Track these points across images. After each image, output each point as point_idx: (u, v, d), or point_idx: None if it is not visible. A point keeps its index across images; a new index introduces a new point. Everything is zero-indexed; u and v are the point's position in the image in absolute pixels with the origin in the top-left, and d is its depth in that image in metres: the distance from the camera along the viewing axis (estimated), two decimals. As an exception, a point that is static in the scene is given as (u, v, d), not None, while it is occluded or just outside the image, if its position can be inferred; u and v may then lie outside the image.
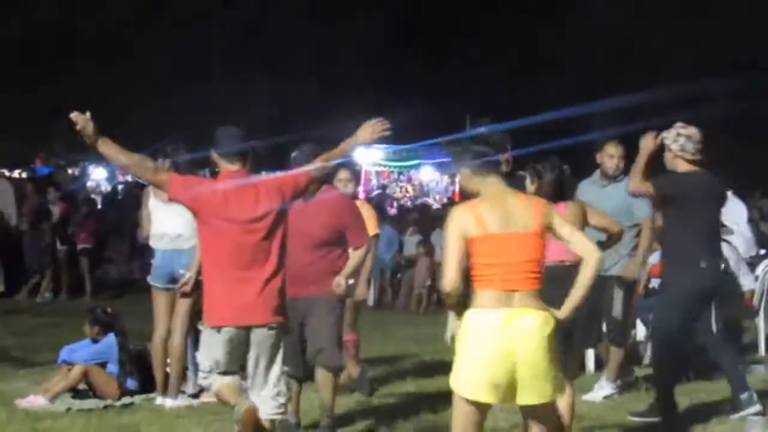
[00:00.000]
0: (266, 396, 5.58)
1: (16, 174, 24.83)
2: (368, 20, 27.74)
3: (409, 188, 24.55)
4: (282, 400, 5.63)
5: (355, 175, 8.31)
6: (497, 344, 4.58)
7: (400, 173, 24.63)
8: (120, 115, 23.34)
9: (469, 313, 4.69)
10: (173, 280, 8.01)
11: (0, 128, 25.26)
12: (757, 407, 7.47)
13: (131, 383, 8.34)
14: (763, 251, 11.59)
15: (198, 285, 7.18)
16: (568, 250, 5.04)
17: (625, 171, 8.30)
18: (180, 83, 26.22)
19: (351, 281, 7.18)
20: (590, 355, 9.29)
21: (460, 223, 4.71)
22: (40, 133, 25.76)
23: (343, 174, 7.88)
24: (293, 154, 6.94)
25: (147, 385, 8.32)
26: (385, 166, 24.04)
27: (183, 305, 8.02)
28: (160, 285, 8.09)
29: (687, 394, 8.31)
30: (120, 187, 22.50)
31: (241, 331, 5.49)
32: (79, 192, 20.26)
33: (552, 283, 5.01)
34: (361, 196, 18.52)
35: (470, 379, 4.63)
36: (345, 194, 7.44)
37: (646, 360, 9.47)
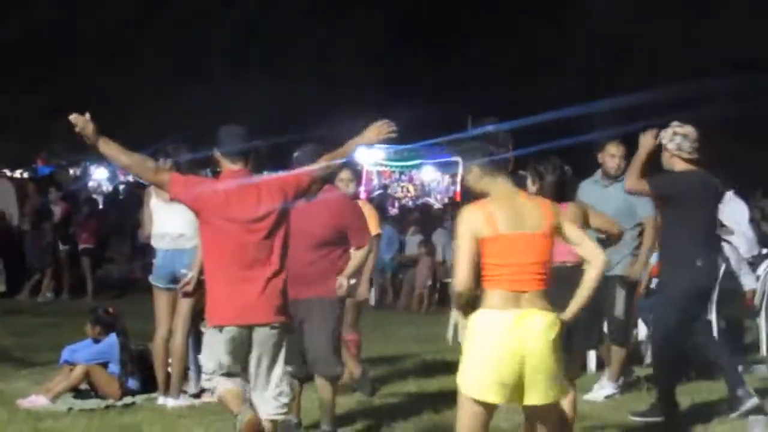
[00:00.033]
0: (268, 396, 5.57)
1: (17, 174, 24.84)
2: (369, 20, 27.74)
3: (411, 188, 24.55)
4: (284, 400, 5.61)
5: (357, 175, 8.29)
6: (506, 345, 4.58)
7: (401, 173, 24.63)
8: (120, 114, 23.36)
9: (477, 314, 4.68)
10: (175, 280, 8.01)
11: (1, 128, 25.27)
12: (755, 400, 7.47)
13: (133, 383, 8.34)
14: (765, 251, 11.60)
15: (200, 285, 7.17)
16: (570, 251, 5.05)
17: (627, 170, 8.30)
18: (180, 83, 26.23)
19: (353, 281, 7.18)
20: (591, 355, 9.29)
21: (470, 223, 4.69)
22: (41, 133, 25.77)
23: (344, 174, 7.86)
24: (295, 154, 6.93)
25: (148, 385, 8.32)
26: (386, 166, 24.04)
27: (184, 305, 8.02)
28: (162, 285, 8.09)
29: (688, 394, 8.31)
30: (121, 187, 22.50)
31: (243, 330, 5.47)
32: (80, 192, 20.27)
33: (554, 284, 5.01)
34: (363, 196, 18.51)
35: (479, 379, 4.62)
36: (346, 194, 7.43)
37: (648, 360, 9.47)
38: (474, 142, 4.93)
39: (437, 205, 21.94)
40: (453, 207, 18.60)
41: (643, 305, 9.56)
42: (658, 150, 7.61)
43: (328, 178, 6.09)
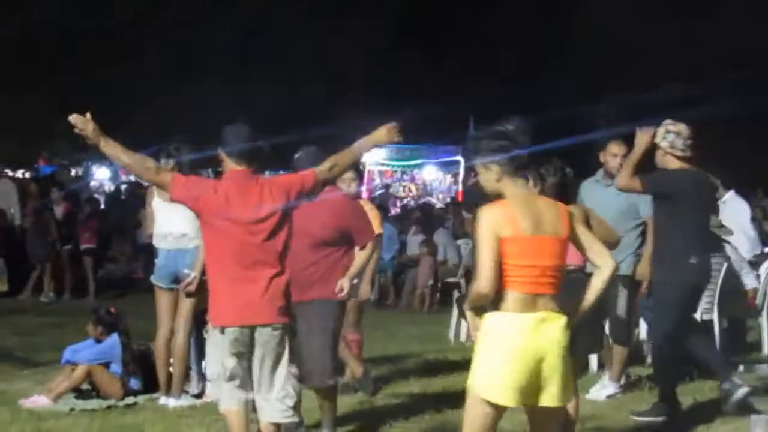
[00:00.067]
0: (273, 399, 5.50)
1: (19, 174, 24.86)
2: (370, 20, 27.74)
3: (413, 187, 24.52)
4: (289, 403, 5.53)
5: (359, 175, 8.26)
6: (526, 349, 4.54)
7: (403, 172, 24.60)
8: (122, 114, 23.37)
9: (495, 316, 4.62)
10: (177, 280, 8.01)
11: (2, 128, 25.29)
12: (745, 388, 7.47)
13: (134, 383, 8.34)
14: (767, 250, 11.61)
15: (202, 285, 7.16)
16: (573, 254, 5.01)
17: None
18: (182, 82, 26.23)
19: (355, 281, 7.18)
20: (593, 355, 9.27)
21: (492, 223, 4.60)
22: (43, 133, 25.77)
23: (346, 173, 7.84)
24: (296, 156, 6.92)
25: (150, 385, 8.32)
26: (388, 165, 24.02)
27: (186, 305, 8.01)
28: (164, 285, 8.09)
29: (690, 393, 8.31)
30: (123, 186, 22.50)
31: (245, 331, 5.43)
32: (82, 192, 20.28)
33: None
34: (365, 195, 18.51)
35: (497, 382, 4.55)
36: (348, 194, 7.39)
37: (650, 359, 9.47)
38: (497, 140, 4.78)
39: (439, 205, 21.92)
40: (455, 207, 18.60)
41: (644, 304, 9.56)
42: (653, 148, 7.62)
43: (333, 180, 6.04)
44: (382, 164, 23.72)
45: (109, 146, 5.60)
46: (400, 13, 28.17)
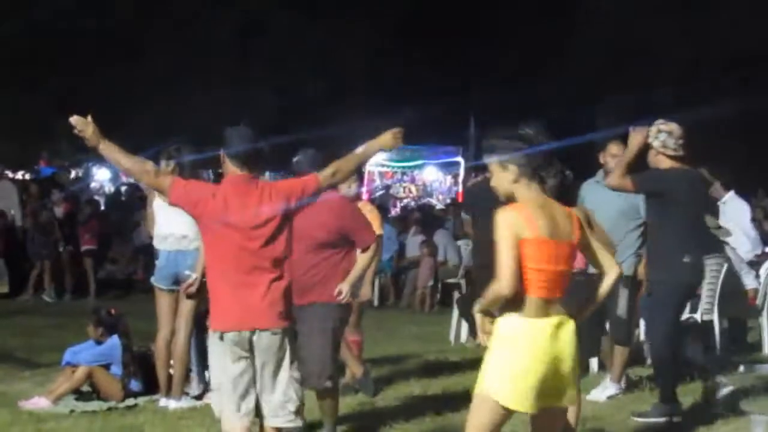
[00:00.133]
0: (275, 403, 5.43)
1: (19, 175, 24.87)
2: (370, 20, 27.75)
3: (413, 188, 24.51)
4: (292, 408, 5.46)
5: (359, 176, 8.26)
6: (547, 354, 4.52)
7: (403, 173, 24.59)
8: (121, 114, 23.38)
9: (514, 321, 4.57)
10: (177, 281, 8.00)
11: (3, 129, 25.29)
12: (730, 387, 7.48)
13: (135, 385, 8.33)
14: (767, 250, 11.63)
15: (202, 286, 7.14)
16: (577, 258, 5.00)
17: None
18: (182, 83, 26.24)
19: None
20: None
21: (512, 225, 4.54)
22: (43, 134, 25.79)
23: (347, 175, 7.84)
24: (295, 159, 6.90)
25: (151, 386, 8.31)
26: (388, 166, 24.02)
27: (187, 306, 8.00)
28: (164, 286, 8.08)
29: (691, 394, 8.31)
30: (123, 188, 22.51)
31: (244, 334, 5.36)
32: (82, 193, 20.29)
33: None
34: (365, 196, 18.51)
35: (519, 390, 4.51)
36: (345, 195, 7.35)
37: (650, 360, 9.47)
38: (516, 140, 4.70)
39: (439, 206, 21.92)
40: (455, 207, 18.60)
41: (645, 305, 9.56)
42: (647, 149, 7.64)
43: (335, 185, 5.98)
44: (383, 165, 23.71)
45: (109, 149, 5.58)
46: (400, 13, 28.19)
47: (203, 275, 6.83)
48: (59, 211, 16.42)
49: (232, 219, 5.37)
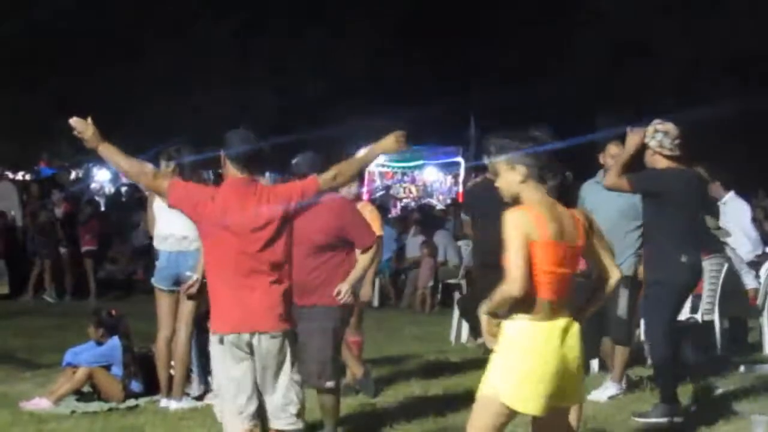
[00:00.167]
0: (277, 405, 5.42)
1: (20, 176, 24.87)
2: (370, 20, 27.75)
3: (413, 189, 24.51)
4: (293, 410, 5.44)
5: (359, 176, 8.25)
6: (557, 358, 4.52)
7: (403, 174, 24.59)
8: (121, 114, 23.39)
9: (523, 324, 4.55)
10: (177, 282, 8.00)
11: (3, 129, 25.29)
12: (672, 417, 7.46)
13: (135, 385, 8.34)
14: (768, 250, 11.63)
15: (203, 287, 7.14)
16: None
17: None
18: (181, 83, 26.24)
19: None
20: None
21: (522, 225, 4.52)
22: (44, 135, 25.78)
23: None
24: (294, 161, 6.89)
25: (151, 387, 8.32)
26: (388, 166, 24.02)
27: (187, 307, 8.00)
28: (165, 287, 8.08)
29: (692, 394, 8.31)
30: (124, 189, 22.51)
31: (243, 337, 5.34)
32: (82, 193, 20.29)
33: None
34: (365, 197, 18.50)
35: (530, 393, 4.50)
36: (345, 196, 7.33)
37: (650, 360, 9.47)
38: (526, 141, 4.69)
39: (440, 206, 21.92)
40: (455, 208, 18.60)
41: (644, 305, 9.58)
42: (643, 150, 7.66)
43: (336, 189, 5.95)
44: (383, 165, 23.70)
45: (108, 150, 5.58)
46: (400, 13, 28.18)
47: (204, 276, 6.83)
48: (59, 211, 16.42)
49: (231, 222, 5.35)
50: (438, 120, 22.14)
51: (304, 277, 6.40)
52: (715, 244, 10.11)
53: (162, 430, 7.35)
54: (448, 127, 23.48)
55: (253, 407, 5.40)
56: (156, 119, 24.78)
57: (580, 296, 4.84)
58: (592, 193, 8.52)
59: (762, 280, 10.56)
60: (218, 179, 6.86)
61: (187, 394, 8.22)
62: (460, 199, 19.90)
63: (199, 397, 8.26)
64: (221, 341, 5.37)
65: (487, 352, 4.74)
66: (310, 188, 5.53)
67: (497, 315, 4.63)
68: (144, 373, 8.38)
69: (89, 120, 5.59)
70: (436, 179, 24.54)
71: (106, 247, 17.14)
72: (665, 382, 7.68)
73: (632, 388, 8.65)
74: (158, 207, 7.96)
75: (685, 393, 8.10)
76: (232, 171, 5.50)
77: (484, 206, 8.37)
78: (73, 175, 24.69)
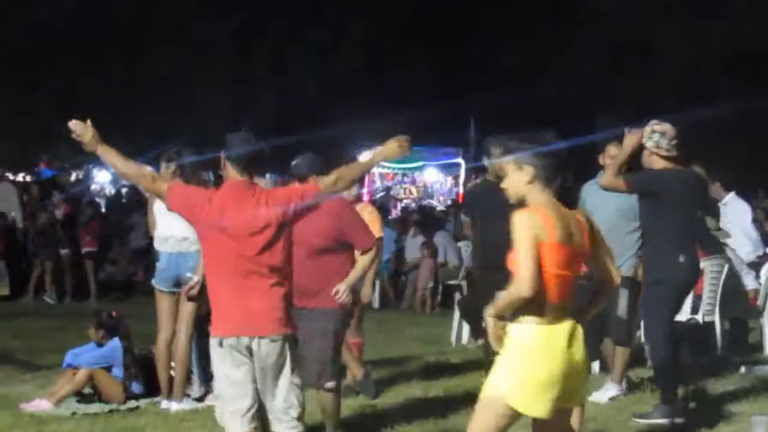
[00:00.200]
0: (277, 409, 5.41)
1: (20, 177, 24.87)
2: (370, 20, 27.75)
3: (413, 190, 24.52)
4: (293, 414, 5.43)
5: (360, 180, 8.24)
6: (564, 359, 4.52)
7: (404, 175, 24.59)
8: (121, 114, 23.40)
9: (531, 328, 4.54)
10: (178, 283, 8.00)
11: (3, 129, 25.29)
12: (665, 422, 7.46)
13: (136, 387, 8.34)
14: (769, 250, 11.64)
15: (204, 289, 7.12)
16: None
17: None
18: (182, 83, 26.24)
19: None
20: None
21: (531, 227, 4.50)
22: (44, 136, 25.79)
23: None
24: (294, 162, 6.88)
25: (152, 388, 8.32)
26: (389, 167, 24.02)
27: (187, 308, 8.00)
28: (165, 288, 8.08)
29: (693, 395, 8.32)
30: (124, 190, 22.53)
31: (243, 340, 5.32)
32: (83, 195, 20.30)
33: None
34: (365, 198, 18.50)
35: (538, 397, 4.50)
36: (343, 198, 7.29)
37: (651, 361, 9.47)
38: (535, 142, 4.66)
39: (440, 207, 21.92)
40: (456, 209, 18.60)
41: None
42: (641, 150, 7.67)
43: (337, 193, 5.94)
44: (383, 166, 23.69)
45: (107, 153, 5.57)
46: (400, 13, 28.18)
47: (204, 278, 6.82)
48: (59, 213, 16.42)
49: (228, 225, 5.33)
50: (438, 121, 22.13)
51: (304, 279, 6.37)
52: (716, 245, 10.12)
53: (163, 431, 7.36)
54: (448, 129, 23.47)
55: (253, 409, 5.39)
56: (156, 119, 24.79)
57: (582, 298, 4.84)
58: (592, 194, 8.53)
59: (762, 280, 10.56)
60: (219, 180, 6.85)
61: (188, 396, 8.22)
62: (461, 200, 19.91)
63: (200, 399, 8.26)
64: (221, 344, 5.36)
65: (488, 353, 4.74)
66: (310, 192, 5.51)
67: (503, 318, 4.62)
68: (144, 375, 8.39)
69: (88, 122, 5.58)
70: (436, 180, 24.55)
71: (107, 249, 17.14)
72: (666, 382, 7.68)
73: (633, 390, 8.64)
74: (158, 209, 7.95)
75: (685, 394, 8.09)
76: (232, 173, 5.47)
77: (484, 207, 8.38)
78: (73, 176, 24.72)
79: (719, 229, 10.31)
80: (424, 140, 21.80)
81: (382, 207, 18.83)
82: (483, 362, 8.80)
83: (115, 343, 8.40)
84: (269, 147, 5.70)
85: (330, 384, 6.71)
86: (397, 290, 16.83)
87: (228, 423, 5.43)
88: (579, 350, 4.60)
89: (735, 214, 10.85)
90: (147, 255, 15.42)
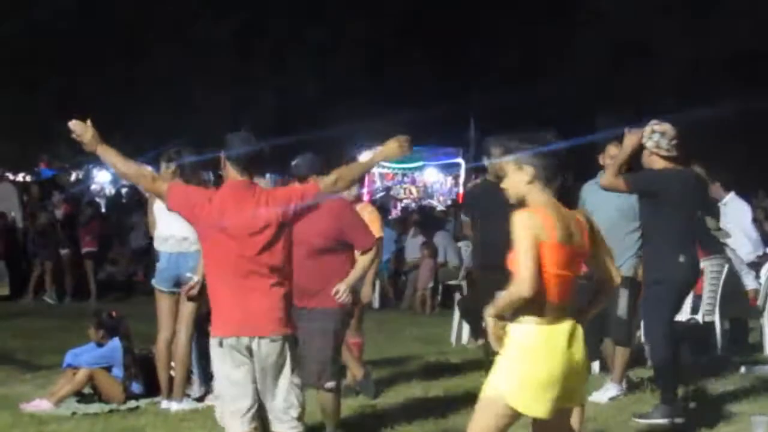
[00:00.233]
0: (278, 409, 5.40)
1: (20, 177, 24.87)
2: (370, 20, 27.75)
3: (414, 190, 24.52)
4: (294, 414, 5.42)
5: (360, 180, 8.23)
6: (564, 359, 4.53)
7: (404, 175, 24.59)
8: (121, 115, 23.38)
9: (531, 328, 4.54)
10: (178, 283, 8.00)
11: (3, 129, 25.29)
12: (665, 422, 7.46)
13: (136, 387, 8.34)
14: (769, 251, 11.63)
15: (204, 289, 7.12)
16: None
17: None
18: (182, 83, 26.25)
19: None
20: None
21: (531, 227, 4.50)
22: (44, 136, 25.80)
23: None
24: (294, 162, 6.88)
25: (152, 388, 8.32)
26: (389, 167, 24.02)
27: (188, 308, 8.00)
28: (165, 288, 8.08)
29: (693, 395, 8.31)
30: (124, 190, 22.53)
31: (242, 340, 5.31)
32: (83, 195, 20.30)
33: None
34: (366, 198, 18.50)
35: (539, 398, 4.50)
36: (343, 198, 7.29)
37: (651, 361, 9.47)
38: (535, 142, 4.66)
39: (440, 207, 21.91)
40: (456, 209, 18.60)
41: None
42: (641, 150, 7.67)
43: (336, 192, 5.92)
44: (383, 166, 23.70)
45: (107, 153, 5.57)
46: (400, 13, 28.18)
47: (204, 278, 6.82)
48: (59, 213, 16.42)
49: (228, 225, 5.32)
50: (438, 121, 22.13)
51: (304, 279, 6.37)
52: (716, 245, 10.12)
53: (163, 431, 7.36)
54: (448, 129, 23.47)
55: (253, 410, 5.39)
56: (156, 119, 24.78)
57: (582, 298, 4.84)
58: (592, 194, 8.53)
59: (762, 280, 10.56)
60: (219, 180, 6.85)
61: (188, 396, 8.22)
62: (461, 200, 19.91)
63: (200, 399, 8.26)
64: (220, 344, 5.36)
65: (488, 353, 4.73)
66: (310, 193, 5.50)
67: (503, 318, 4.62)
68: (144, 375, 8.39)
69: (88, 122, 5.58)
70: (436, 180, 24.55)
71: (107, 249, 17.15)
72: (666, 382, 7.68)
73: (633, 390, 8.64)
74: (158, 208, 7.95)
75: (685, 394, 8.09)
76: (232, 173, 5.47)
77: (484, 207, 8.38)
78: (73, 176, 24.72)
79: (719, 229, 10.31)
80: (424, 140, 21.81)
81: (382, 207, 18.84)
82: (483, 362, 8.80)
83: (115, 343, 8.40)
84: (269, 147, 5.69)
85: (330, 384, 6.71)
86: (397, 290, 16.83)
87: (228, 423, 5.42)
88: (579, 350, 4.61)
89: (735, 214, 10.85)
90: (147, 255, 15.44)
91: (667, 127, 7.60)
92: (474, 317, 10.08)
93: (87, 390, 8.33)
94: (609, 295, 4.95)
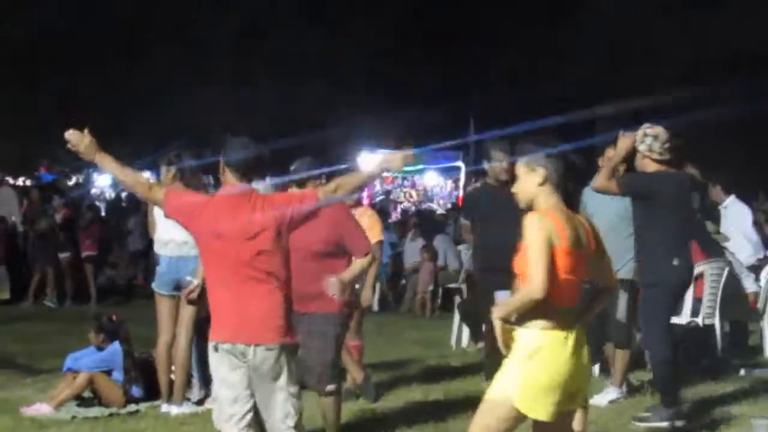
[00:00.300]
0: (274, 418, 5.37)
1: (20, 181, 24.86)
2: (370, 20, 27.74)
3: (414, 193, 24.50)
4: (290, 423, 5.38)
5: (360, 189, 8.20)
6: (571, 364, 4.55)
7: (404, 178, 24.57)
8: (121, 115, 23.39)
9: (542, 333, 4.56)
10: (178, 287, 8.01)
11: (3, 130, 25.29)
12: (665, 425, 7.46)
13: (136, 391, 8.35)
14: (769, 253, 11.62)
15: (203, 292, 7.11)
16: None
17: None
18: (182, 84, 26.24)
19: (356, 285, 7.13)
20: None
21: (545, 230, 4.52)
22: (44, 137, 25.78)
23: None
24: (293, 167, 6.88)
25: (152, 392, 8.32)
26: (388, 171, 24.00)
27: (188, 312, 8.01)
28: (165, 292, 8.09)
29: (693, 398, 8.31)
30: (124, 194, 22.51)
31: (238, 347, 5.28)
32: (83, 199, 20.29)
33: None
34: (365, 201, 18.49)
35: (547, 402, 4.53)
36: (340, 203, 7.25)
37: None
38: (546, 145, 4.69)
39: (440, 210, 21.91)
40: (456, 212, 18.59)
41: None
42: (634, 154, 7.69)
43: (335, 200, 5.89)
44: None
45: (105, 161, 5.56)
46: (400, 13, 28.17)
47: (204, 281, 6.81)
48: (59, 217, 16.42)
49: (223, 230, 5.30)
50: (438, 124, 22.12)
51: (304, 283, 6.36)
52: (716, 249, 10.12)
53: (163, 435, 7.38)
54: (449, 132, 23.45)
55: (250, 414, 5.38)
56: (156, 119, 24.77)
57: (582, 302, 4.85)
58: (592, 197, 8.52)
59: (762, 283, 10.56)
60: (218, 184, 6.85)
61: (188, 399, 8.23)
62: (460, 204, 19.91)
63: (200, 402, 8.26)
64: (216, 349, 5.34)
65: (488, 356, 4.73)
66: (309, 199, 5.45)
67: (509, 321, 4.63)
68: (144, 378, 8.39)
69: (85, 131, 5.56)
70: (436, 183, 24.53)
71: (107, 253, 17.16)
72: (665, 385, 7.68)
73: (633, 393, 8.65)
74: (158, 212, 7.95)
75: (685, 396, 8.09)
76: (230, 178, 5.44)
77: (484, 210, 8.39)
78: (73, 180, 24.70)
79: (718, 232, 10.31)
80: (424, 140, 21.80)
81: (382, 210, 18.82)
82: (483, 365, 8.82)
83: (116, 346, 8.41)
84: (269, 151, 5.67)
85: (330, 387, 6.72)
86: (397, 293, 16.83)
87: (224, 426, 5.41)
88: (583, 354, 4.63)
89: (735, 217, 10.85)
90: (144, 258, 15.44)
91: (659, 130, 7.61)
92: (474, 320, 10.09)
93: (87, 394, 8.34)
94: (609, 297, 4.96)
